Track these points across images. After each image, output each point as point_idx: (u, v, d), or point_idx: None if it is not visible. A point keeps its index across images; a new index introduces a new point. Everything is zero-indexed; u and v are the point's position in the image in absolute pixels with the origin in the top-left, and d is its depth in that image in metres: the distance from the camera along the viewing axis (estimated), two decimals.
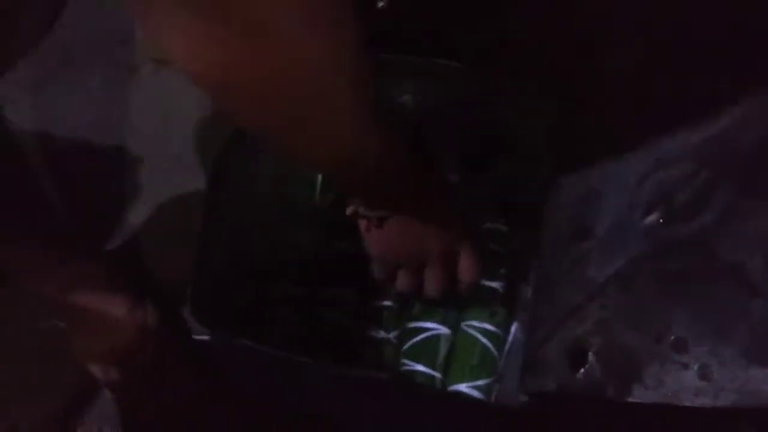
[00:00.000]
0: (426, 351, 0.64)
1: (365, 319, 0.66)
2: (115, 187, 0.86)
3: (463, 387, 0.61)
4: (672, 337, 0.40)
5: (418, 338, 0.64)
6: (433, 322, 0.64)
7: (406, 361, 0.64)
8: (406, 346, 0.64)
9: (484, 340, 0.62)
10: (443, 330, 0.64)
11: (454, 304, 0.65)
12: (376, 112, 0.41)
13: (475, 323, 0.63)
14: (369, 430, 0.72)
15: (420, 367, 0.63)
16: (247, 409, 0.73)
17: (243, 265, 0.64)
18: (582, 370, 0.43)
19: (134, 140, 0.88)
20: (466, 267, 0.57)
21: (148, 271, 0.82)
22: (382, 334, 0.66)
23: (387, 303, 0.67)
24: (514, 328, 0.61)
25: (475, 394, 0.60)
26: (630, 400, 0.40)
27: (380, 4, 0.66)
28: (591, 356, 0.43)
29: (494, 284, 0.65)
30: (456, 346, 0.64)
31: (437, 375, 0.63)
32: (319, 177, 0.71)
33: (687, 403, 0.37)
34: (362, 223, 0.56)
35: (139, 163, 0.87)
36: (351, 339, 0.64)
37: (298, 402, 0.70)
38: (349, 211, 0.55)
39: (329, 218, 0.68)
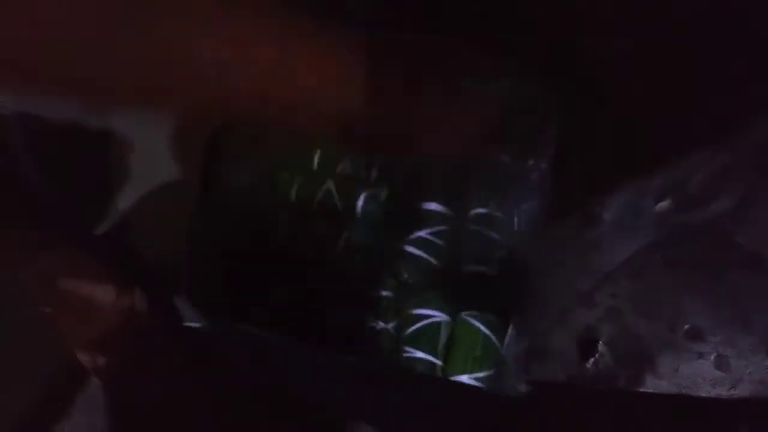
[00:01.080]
0: (426, 337, 0.62)
1: (363, 311, 0.64)
2: (102, 170, 0.84)
3: (465, 378, 0.60)
4: (686, 326, 0.39)
5: (418, 325, 0.63)
6: (433, 309, 0.63)
7: (406, 348, 0.62)
8: (405, 333, 0.63)
9: (487, 331, 0.61)
10: (443, 317, 0.63)
11: (453, 291, 0.64)
12: None
13: (477, 313, 0.62)
14: (369, 417, 0.71)
15: (420, 354, 0.62)
16: (238, 395, 0.72)
17: (237, 255, 0.62)
18: (592, 360, 0.41)
19: (122, 121, 0.86)
20: None
21: (136, 257, 0.80)
22: (380, 325, 0.64)
23: (385, 293, 0.65)
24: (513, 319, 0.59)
25: (477, 385, 0.59)
26: (642, 390, 0.39)
27: None
28: (601, 345, 0.41)
29: (492, 271, 0.63)
30: (458, 337, 0.62)
31: (438, 362, 0.62)
32: (316, 162, 0.70)
33: (703, 394, 0.36)
34: None
35: (127, 144, 0.85)
36: (349, 331, 0.63)
37: (294, 389, 0.69)
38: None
39: (327, 208, 0.66)
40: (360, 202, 0.66)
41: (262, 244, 0.65)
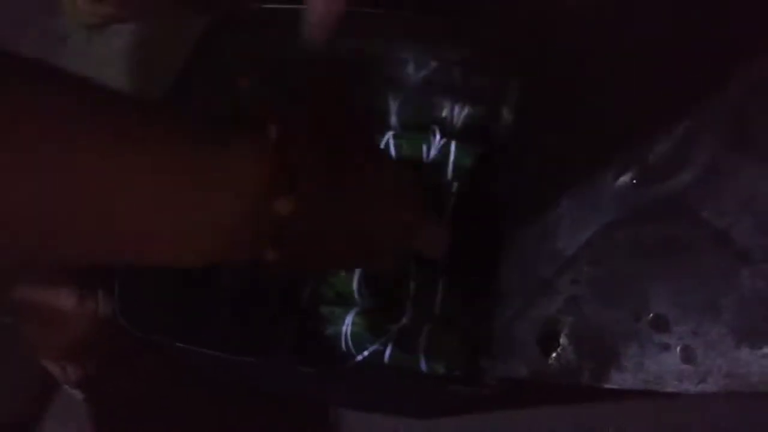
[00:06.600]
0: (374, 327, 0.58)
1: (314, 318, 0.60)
2: None
3: (442, 368, 0.56)
4: (651, 315, 0.36)
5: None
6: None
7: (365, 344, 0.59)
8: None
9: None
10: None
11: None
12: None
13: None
14: (338, 404, 0.69)
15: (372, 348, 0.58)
16: (215, 393, 0.70)
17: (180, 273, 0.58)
18: (554, 354, 0.38)
19: None
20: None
21: None
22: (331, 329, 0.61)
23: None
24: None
25: (455, 374, 0.56)
26: (607, 386, 0.36)
27: None
28: (563, 338, 0.38)
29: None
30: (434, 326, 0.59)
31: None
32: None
33: (669, 389, 0.33)
34: None
35: None
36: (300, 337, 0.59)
37: (258, 387, 0.67)
38: None
39: None
40: None
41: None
